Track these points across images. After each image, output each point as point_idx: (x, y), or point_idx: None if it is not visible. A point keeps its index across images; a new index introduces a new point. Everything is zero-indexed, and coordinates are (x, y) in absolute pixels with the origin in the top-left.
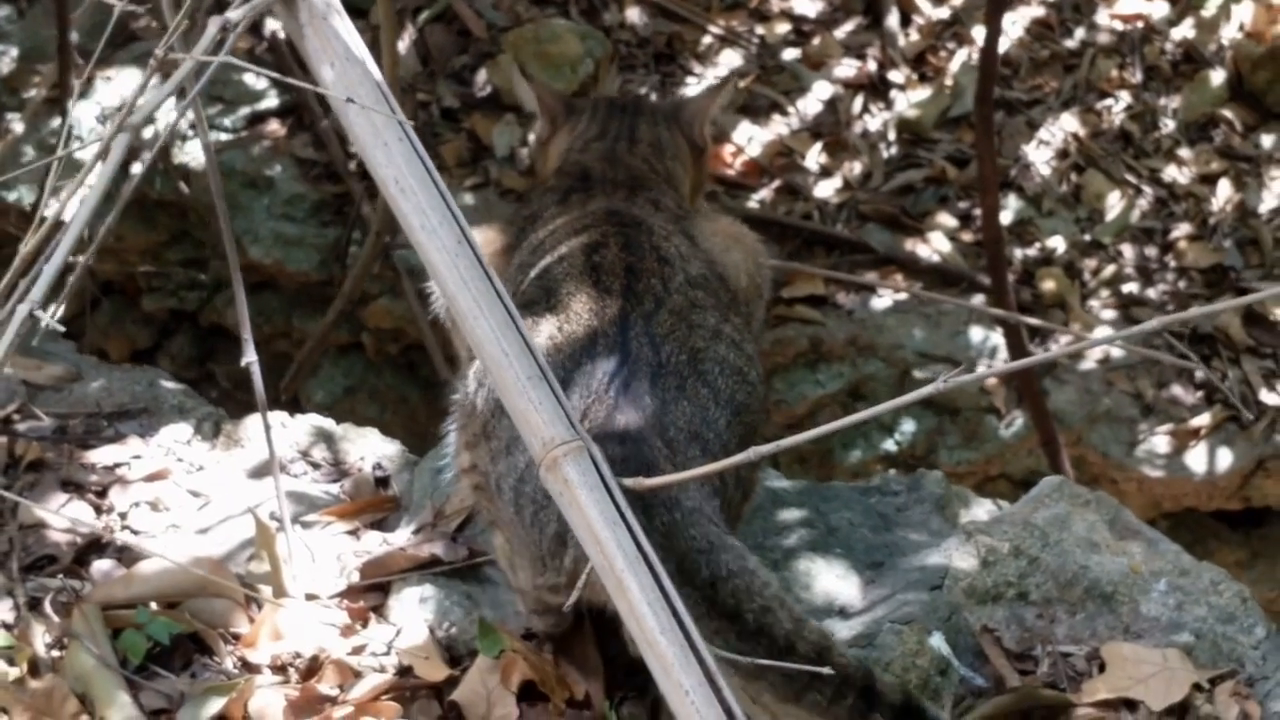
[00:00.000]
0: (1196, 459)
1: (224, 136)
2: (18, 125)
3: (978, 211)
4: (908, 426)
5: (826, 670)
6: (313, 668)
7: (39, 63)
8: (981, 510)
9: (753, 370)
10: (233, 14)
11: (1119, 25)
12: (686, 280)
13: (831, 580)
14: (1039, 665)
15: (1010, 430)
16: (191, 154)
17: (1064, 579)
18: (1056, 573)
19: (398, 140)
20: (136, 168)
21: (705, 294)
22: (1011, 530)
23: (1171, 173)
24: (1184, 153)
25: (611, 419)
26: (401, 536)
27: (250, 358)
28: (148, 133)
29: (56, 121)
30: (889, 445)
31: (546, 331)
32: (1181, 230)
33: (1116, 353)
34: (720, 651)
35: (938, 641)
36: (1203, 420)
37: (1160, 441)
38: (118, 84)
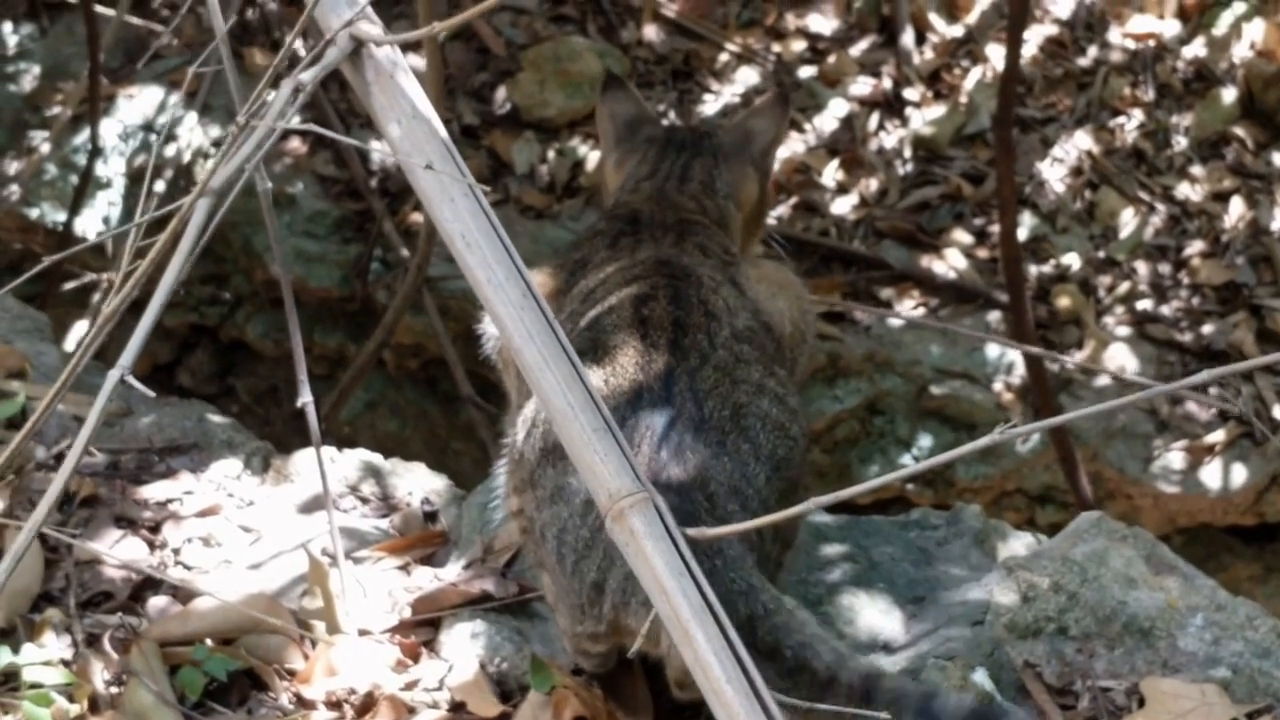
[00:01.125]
0: (1211, 475)
1: (244, 152)
2: (44, 145)
3: (993, 228)
4: (925, 442)
5: (883, 716)
6: (367, 704)
7: (61, 80)
8: (1019, 544)
9: (795, 425)
10: (304, 75)
11: (1131, 44)
12: (732, 334)
13: (875, 615)
14: (1079, 700)
15: (1027, 446)
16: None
17: (1103, 614)
18: (1095, 608)
19: (464, 196)
20: (159, 185)
21: (750, 348)
22: (1051, 565)
23: (1184, 190)
24: (1196, 170)
25: (654, 473)
26: (452, 572)
27: (306, 398)
28: (169, 151)
29: (79, 138)
30: (906, 460)
31: (594, 383)
32: (1195, 247)
33: (1131, 369)
34: (783, 698)
35: (981, 677)
36: (1217, 437)
37: (1175, 458)
38: (140, 102)
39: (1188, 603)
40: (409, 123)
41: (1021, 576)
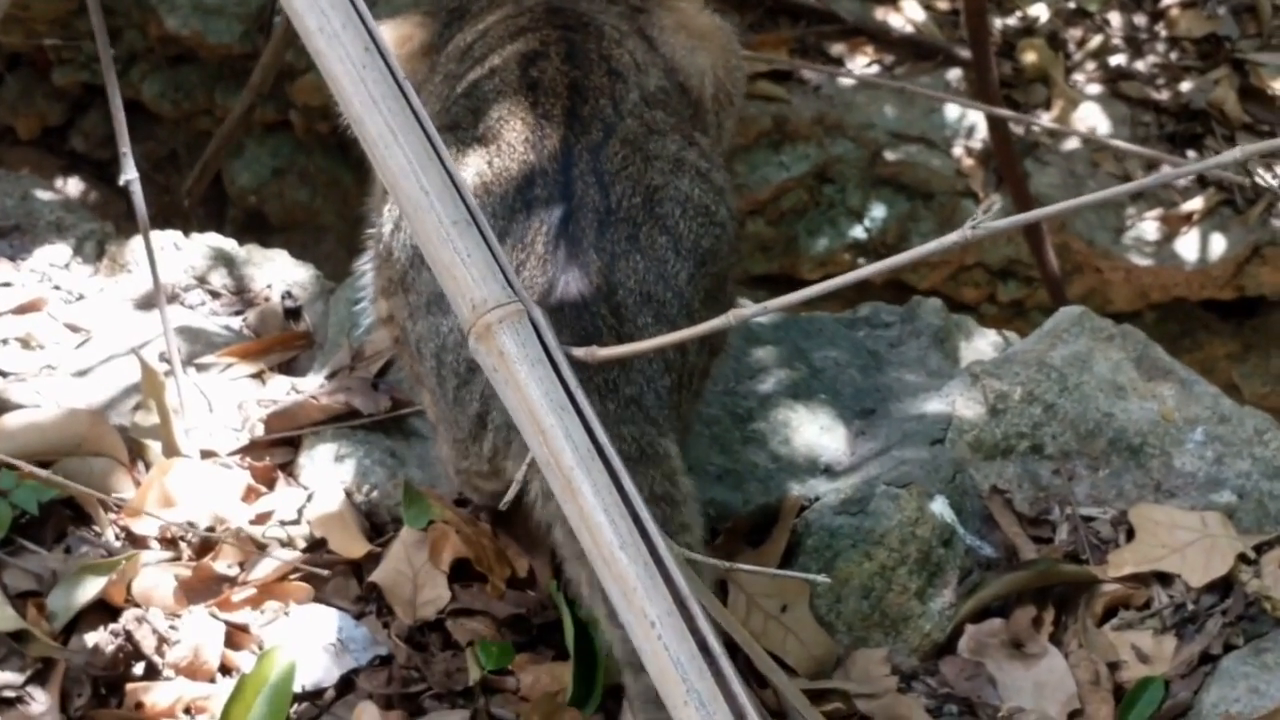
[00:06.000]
0: (1188, 246)
1: None
2: None
3: None
4: (878, 212)
5: (821, 578)
6: (208, 541)
7: None
8: (986, 343)
9: (721, 207)
10: None
11: None
12: (642, 98)
13: (814, 432)
14: (1057, 532)
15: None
16: None
17: (1085, 429)
18: (1076, 422)
19: None
20: None
21: (665, 114)
22: (1024, 372)
23: None
24: None
25: (550, 282)
26: (314, 382)
27: (130, 174)
28: None
29: None
30: (857, 232)
31: (474, 166)
32: None
33: (1103, 130)
34: (690, 554)
35: (940, 507)
36: (1195, 204)
37: (1149, 227)
38: None
39: (1185, 414)
40: None
41: (989, 385)
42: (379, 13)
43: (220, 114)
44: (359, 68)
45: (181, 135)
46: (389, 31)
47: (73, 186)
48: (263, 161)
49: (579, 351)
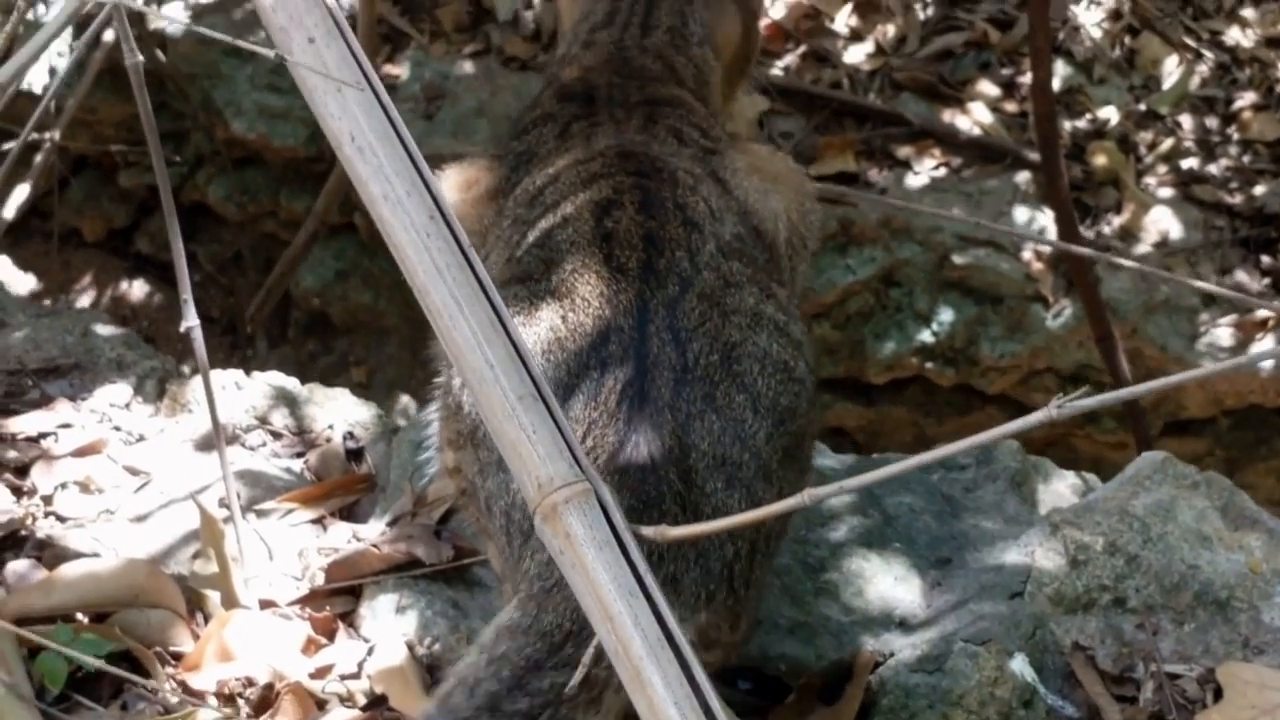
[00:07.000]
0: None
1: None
2: None
3: (1023, 79)
4: (945, 316)
5: None
6: (267, 697)
7: None
8: (1064, 486)
9: (800, 362)
10: None
11: None
12: (718, 248)
13: (889, 583)
14: (1141, 690)
15: (1059, 321)
16: (168, 19)
17: (1169, 582)
18: (1160, 574)
19: (356, 84)
20: (107, 34)
21: (741, 264)
22: (1105, 521)
23: (1234, 35)
24: (1248, 13)
25: (621, 442)
26: (375, 529)
27: (191, 322)
28: None
29: None
30: (925, 336)
31: (548, 321)
32: (1246, 99)
33: (1175, 235)
34: None
35: (1020, 665)
36: (1270, 310)
37: (1223, 333)
38: None
39: (1274, 565)
40: None
41: (1069, 535)
42: (439, 144)
43: (285, 216)
44: (424, 236)
45: (246, 237)
46: (454, 175)
47: (137, 289)
48: (326, 264)
49: (648, 531)
